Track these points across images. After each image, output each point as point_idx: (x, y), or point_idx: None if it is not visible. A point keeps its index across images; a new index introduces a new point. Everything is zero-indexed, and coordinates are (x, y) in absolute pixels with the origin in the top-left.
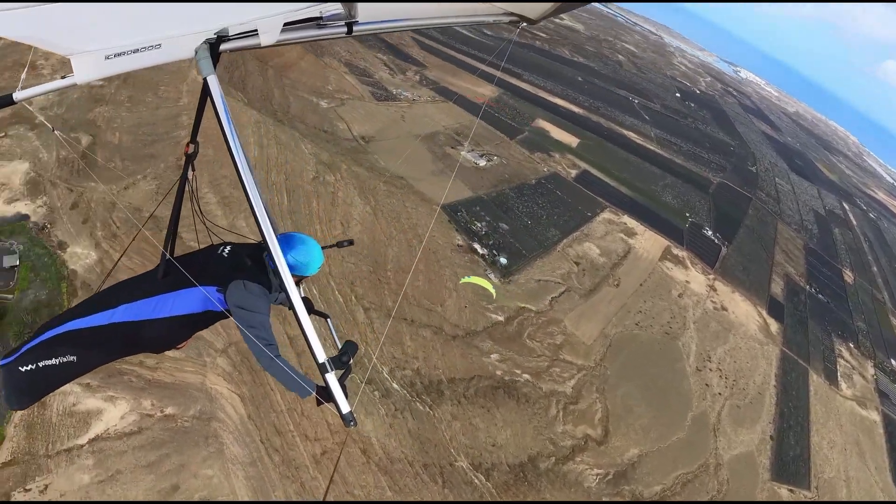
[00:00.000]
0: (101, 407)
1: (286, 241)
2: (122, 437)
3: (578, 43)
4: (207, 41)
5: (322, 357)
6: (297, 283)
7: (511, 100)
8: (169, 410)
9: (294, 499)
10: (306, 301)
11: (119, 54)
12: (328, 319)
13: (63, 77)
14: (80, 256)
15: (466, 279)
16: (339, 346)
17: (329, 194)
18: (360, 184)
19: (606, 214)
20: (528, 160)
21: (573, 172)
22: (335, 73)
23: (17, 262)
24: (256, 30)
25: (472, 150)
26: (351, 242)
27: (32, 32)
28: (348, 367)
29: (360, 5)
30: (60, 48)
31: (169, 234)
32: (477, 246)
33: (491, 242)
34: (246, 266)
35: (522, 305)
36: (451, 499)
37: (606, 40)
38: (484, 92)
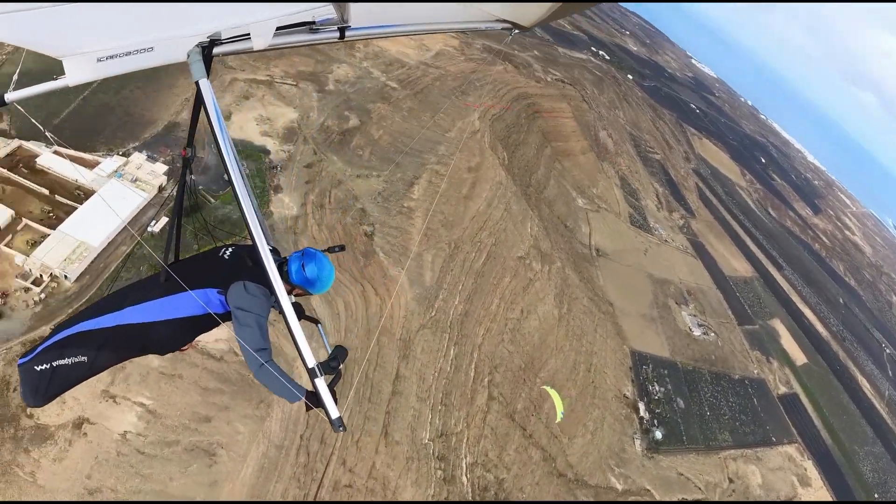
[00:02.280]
0: None
1: (305, 255)
2: (204, 354)
3: (858, 264)
4: (200, 44)
5: (312, 362)
6: (298, 297)
7: (760, 287)
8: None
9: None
10: (297, 306)
11: (111, 57)
12: (318, 325)
13: (55, 78)
14: (284, 205)
15: (549, 388)
16: (329, 352)
17: (526, 279)
18: (564, 287)
19: (790, 449)
20: (743, 353)
21: (782, 389)
22: (606, 181)
23: None
24: (249, 34)
25: (694, 315)
26: (342, 248)
27: (24, 35)
28: (338, 372)
29: (352, 11)
30: (52, 50)
31: (170, 238)
32: (641, 406)
33: (657, 411)
34: (246, 267)
35: (648, 488)
36: None
37: (888, 275)
38: (736, 266)
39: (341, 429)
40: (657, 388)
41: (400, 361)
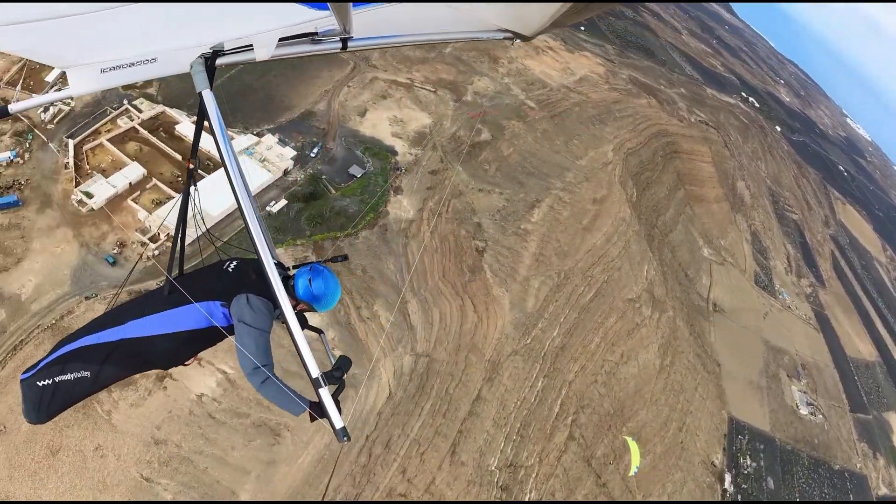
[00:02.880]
0: None
1: (312, 270)
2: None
3: None
4: (203, 55)
5: (315, 372)
6: (303, 311)
7: (882, 375)
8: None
9: (336, 498)
10: (300, 316)
11: (115, 68)
12: (322, 335)
13: (59, 89)
14: (402, 207)
15: (630, 440)
16: (333, 362)
17: (632, 323)
18: (671, 338)
19: None
20: (849, 442)
21: (883, 490)
22: (736, 234)
23: (359, 175)
24: (252, 45)
25: (804, 392)
26: (345, 258)
27: (29, 45)
28: (342, 382)
29: (354, 22)
30: (57, 61)
31: (173, 251)
32: (728, 478)
33: (744, 486)
34: (250, 281)
35: None
36: None
37: None
38: (860, 347)
39: (345, 439)
40: (749, 462)
41: (484, 383)
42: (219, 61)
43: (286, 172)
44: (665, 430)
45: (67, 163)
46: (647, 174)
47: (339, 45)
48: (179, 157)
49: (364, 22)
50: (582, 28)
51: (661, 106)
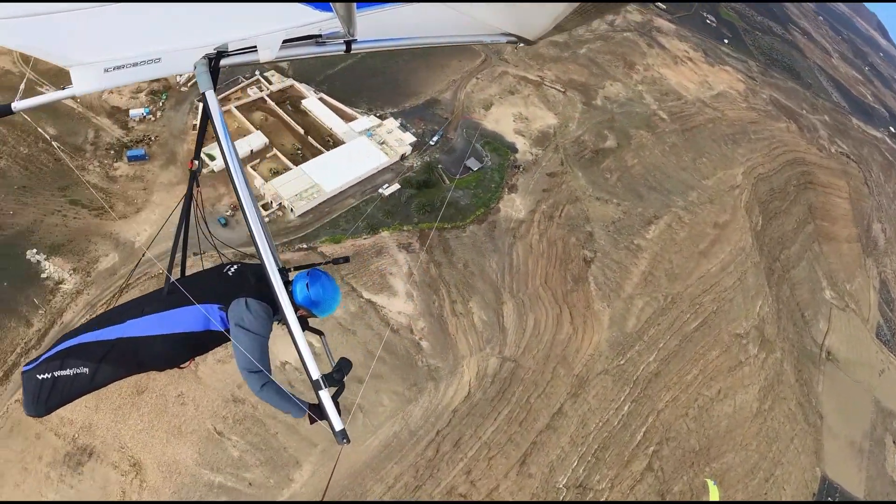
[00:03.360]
0: (401, 293)
1: (310, 275)
2: (383, 321)
3: None
4: (207, 56)
5: (316, 374)
6: (304, 318)
7: None
8: (425, 345)
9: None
10: (301, 320)
11: (118, 67)
12: (322, 336)
13: (63, 88)
14: (514, 206)
15: (712, 483)
16: (333, 364)
17: (736, 360)
18: (775, 381)
19: None
20: None
21: None
22: (864, 279)
23: (475, 169)
24: (255, 46)
25: None
26: (346, 260)
27: (32, 42)
28: (342, 384)
29: (358, 24)
30: (60, 59)
31: (174, 252)
32: None
33: None
34: (250, 285)
35: None
36: None
37: None
38: None
39: (345, 441)
40: None
41: (568, 398)
42: (223, 62)
43: (403, 157)
44: (751, 478)
45: (195, 125)
46: (777, 203)
47: (343, 47)
48: (302, 131)
49: (368, 24)
50: (725, 41)
51: (801, 132)
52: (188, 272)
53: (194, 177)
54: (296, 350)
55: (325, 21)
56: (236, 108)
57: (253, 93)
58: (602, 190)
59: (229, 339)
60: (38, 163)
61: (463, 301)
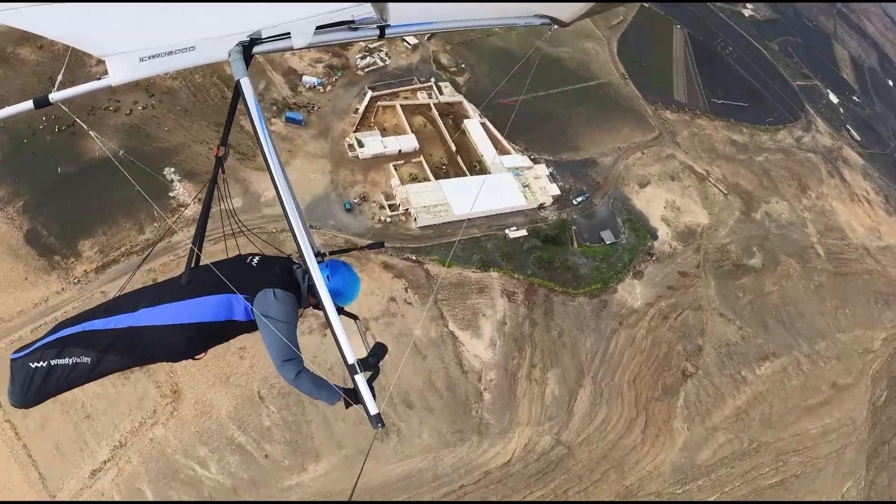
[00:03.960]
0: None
1: (332, 267)
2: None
3: None
4: (241, 43)
5: (352, 358)
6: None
7: None
8: (487, 397)
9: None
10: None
11: (153, 56)
12: (357, 321)
13: (98, 78)
14: (632, 293)
15: None
16: (368, 348)
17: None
18: None
19: None
20: None
21: None
22: None
23: (608, 242)
24: (289, 33)
25: None
26: (382, 245)
27: (69, 32)
28: (377, 368)
29: (390, 8)
30: (96, 49)
31: (196, 238)
32: None
33: None
34: (276, 275)
35: None
36: None
37: None
38: None
39: (380, 425)
40: None
41: None
42: (256, 49)
43: (541, 207)
44: None
45: (358, 109)
46: None
47: (377, 32)
48: (454, 148)
49: (400, 9)
50: None
51: None
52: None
53: (220, 163)
54: (332, 334)
55: (357, 6)
56: (401, 106)
57: (422, 97)
58: (729, 307)
59: (250, 330)
60: (205, 94)
61: (543, 368)
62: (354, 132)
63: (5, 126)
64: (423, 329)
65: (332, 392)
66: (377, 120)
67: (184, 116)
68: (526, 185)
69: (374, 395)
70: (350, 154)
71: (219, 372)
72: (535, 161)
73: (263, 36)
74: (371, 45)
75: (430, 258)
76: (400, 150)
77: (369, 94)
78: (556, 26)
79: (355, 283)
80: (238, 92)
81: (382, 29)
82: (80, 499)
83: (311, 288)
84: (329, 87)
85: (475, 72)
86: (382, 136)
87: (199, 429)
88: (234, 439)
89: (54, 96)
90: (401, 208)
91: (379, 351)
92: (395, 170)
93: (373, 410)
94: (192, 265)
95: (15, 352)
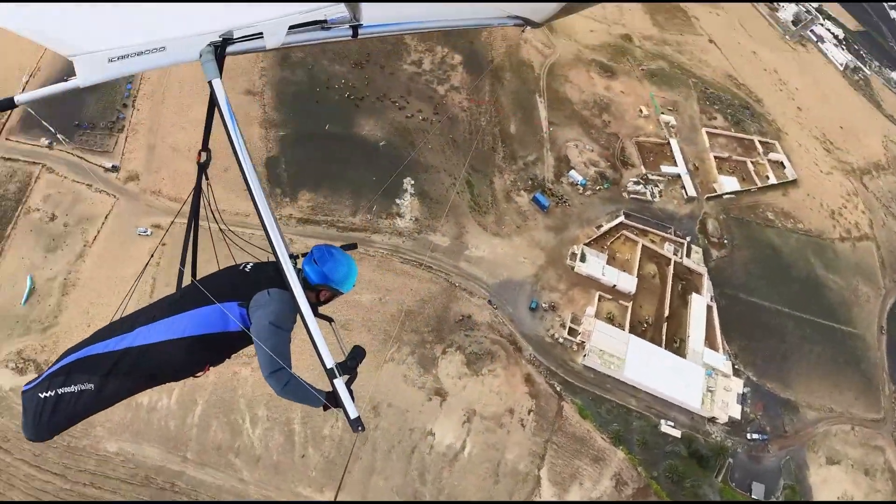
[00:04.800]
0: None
1: (317, 254)
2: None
3: None
4: (212, 44)
5: (330, 362)
6: (329, 299)
7: None
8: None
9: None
10: (312, 307)
11: (122, 57)
12: (332, 323)
13: (66, 79)
14: None
15: None
16: (345, 352)
17: None
18: None
19: None
20: None
21: None
22: None
23: (757, 498)
24: (262, 33)
25: None
26: (354, 246)
27: (36, 27)
28: (355, 372)
29: (363, 8)
30: (62, 48)
31: (185, 250)
32: None
33: None
34: (270, 277)
35: None
36: None
37: None
38: None
39: (360, 429)
40: None
41: None
42: (228, 49)
43: (712, 420)
44: None
45: (602, 226)
46: None
47: (350, 32)
48: (666, 314)
49: (374, 9)
50: None
51: None
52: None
53: (203, 170)
54: (309, 337)
55: (329, 7)
56: (643, 246)
57: (668, 249)
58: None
59: (250, 342)
60: (481, 136)
61: None
62: (584, 244)
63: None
64: (516, 456)
65: (315, 398)
66: (612, 246)
67: (449, 145)
68: (710, 390)
69: (353, 399)
70: (567, 262)
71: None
72: (736, 372)
73: (235, 36)
74: (651, 176)
75: (573, 399)
76: (615, 286)
77: (621, 218)
78: (528, 27)
79: (349, 264)
80: (213, 95)
81: (355, 29)
82: None
83: (307, 283)
84: (589, 193)
85: (734, 254)
86: (608, 262)
87: (274, 394)
88: (292, 424)
89: (20, 98)
90: (578, 338)
91: (357, 354)
92: (598, 300)
93: (352, 414)
94: (184, 279)
95: (26, 384)
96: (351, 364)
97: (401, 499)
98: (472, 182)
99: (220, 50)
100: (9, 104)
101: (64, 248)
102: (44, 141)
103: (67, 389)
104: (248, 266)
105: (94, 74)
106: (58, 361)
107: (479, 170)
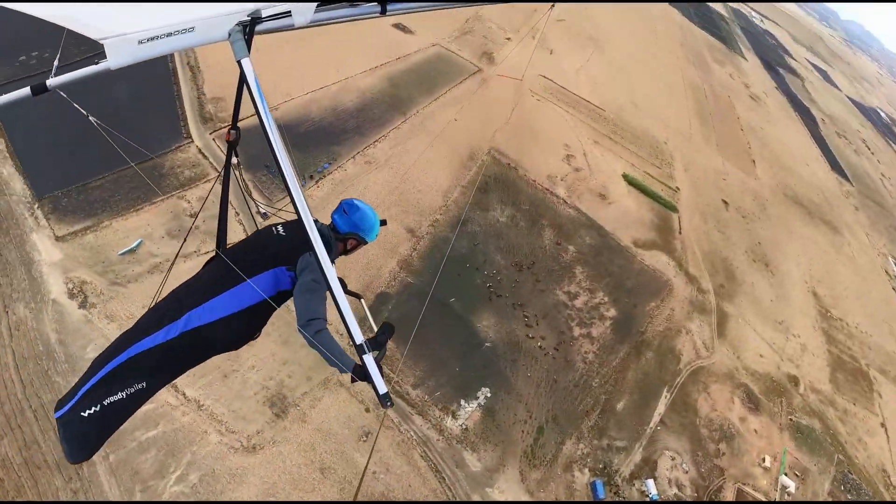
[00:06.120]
0: None
1: (348, 205)
2: None
3: None
4: (241, 23)
5: (360, 338)
6: (355, 248)
7: None
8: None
9: None
10: (340, 281)
11: (152, 38)
12: (361, 300)
13: (97, 62)
14: None
15: None
16: (375, 328)
17: None
18: None
19: None
20: None
21: None
22: None
23: None
24: (290, 11)
25: None
26: (383, 223)
27: (66, 13)
28: (384, 349)
29: None
30: (93, 32)
31: (221, 225)
32: None
33: None
34: (306, 240)
35: None
36: None
37: None
38: None
39: (389, 404)
40: None
41: None
42: (257, 28)
43: None
44: None
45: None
46: None
47: (378, 8)
48: None
49: None
50: None
51: None
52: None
53: (233, 147)
54: (338, 313)
55: None
56: None
57: None
58: None
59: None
60: (580, 401)
61: None
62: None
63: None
64: None
65: (346, 361)
66: None
67: (547, 384)
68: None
69: (382, 375)
70: None
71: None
72: None
73: (263, 15)
74: None
75: None
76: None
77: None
78: (555, 2)
79: (375, 216)
80: (242, 74)
81: (384, 4)
82: None
83: (336, 234)
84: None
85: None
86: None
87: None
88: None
89: (51, 82)
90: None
91: (387, 330)
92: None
93: (381, 389)
94: (222, 249)
95: (56, 409)
96: (381, 340)
97: None
98: (544, 431)
99: (248, 29)
100: (41, 89)
101: (181, 242)
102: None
103: (116, 397)
104: (280, 229)
105: (124, 57)
106: (90, 377)
107: (559, 423)
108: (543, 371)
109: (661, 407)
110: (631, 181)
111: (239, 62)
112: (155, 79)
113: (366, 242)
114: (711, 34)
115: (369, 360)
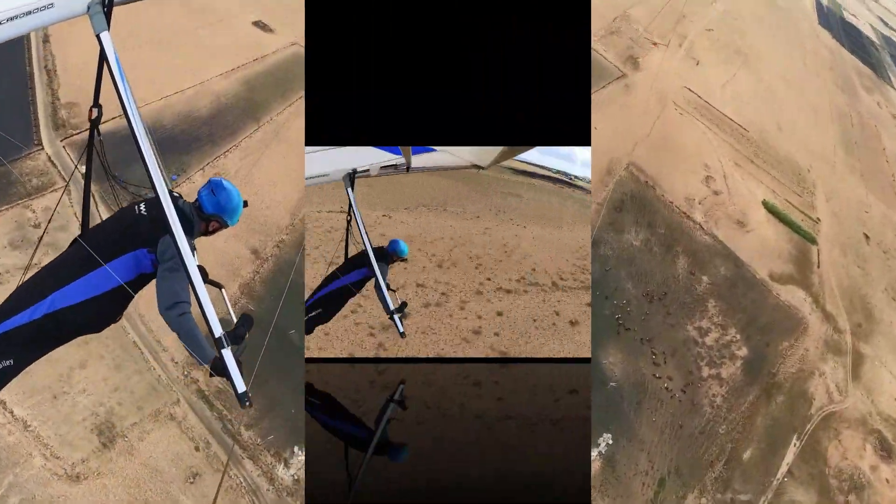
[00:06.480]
0: None
1: (214, 185)
2: None
3: None
4: None
5: (218, 331)
6: (216, 230)
7: None
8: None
9: None
10: (201, 269)
11: (11, 18)
12: (222, 290)
13: None
14: None
15: None
16: (234, 319)
17: None
18: None
19: None
20: None
21: None
22: None
23: None
24: None
25: None
26: (245, 204)
27: None
28: (244, 343)
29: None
30: None
31: (85, 206)
32: None
33: None
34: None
35: None
36: None
37: None
38: None
39: (248, 403)
40: None
41: None
42: (116, 0)
43: None
44: None
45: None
46: None
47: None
48: None
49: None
50: None
51: None
52: None
53: (95, 125)
54: (197, 303)
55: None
56: None
57: None
58: None
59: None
60: (706, 449)
61: None
62: None
63: None
64: None
65: (205, 352)
66: None
67: (672, 429)
68: None
69: (241, 372)
70: None
71: None
72: None
73: None
74: None
75: None
76: None
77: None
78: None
79: (240, 200)
80: (102, 51)
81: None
82: None
83: (200, 213)
84: None
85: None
86: None
87: None
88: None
89: None
90: None
91: (246, 322)
92: None
93: (240, 388)
94: (84, 231)
95: None
96: (241, 333)
97: None
98: (665, 483)
99: (107, 1)
100: None
101: (30, 253)
102: None
103: None
104: (142, 207)
105: None
106: None
107: (682, 473)
108: (668, 415)
109: (789, 456)
110: (771, 209)
111: (98, 36)
112: (11, 85)
113: (227, 226)
114: (861, 59)
115: (228, 354)
